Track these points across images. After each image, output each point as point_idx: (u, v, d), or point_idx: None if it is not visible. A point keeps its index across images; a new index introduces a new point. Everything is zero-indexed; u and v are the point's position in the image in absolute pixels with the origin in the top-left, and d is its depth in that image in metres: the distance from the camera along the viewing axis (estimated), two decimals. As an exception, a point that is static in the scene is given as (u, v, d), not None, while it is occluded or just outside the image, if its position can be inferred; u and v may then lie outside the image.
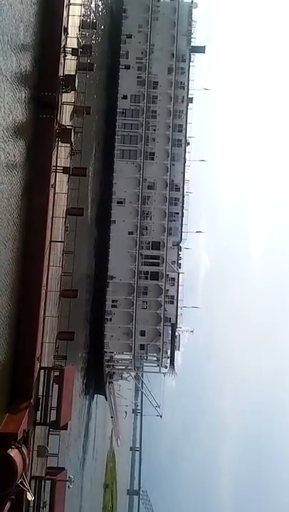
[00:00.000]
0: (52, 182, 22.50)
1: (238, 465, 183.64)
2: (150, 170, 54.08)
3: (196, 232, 62.87)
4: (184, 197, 55.25)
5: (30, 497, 16.68)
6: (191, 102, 55.12)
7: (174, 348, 52.65)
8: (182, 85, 54.78)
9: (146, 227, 54.14)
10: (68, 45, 25.81)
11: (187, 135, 55.01)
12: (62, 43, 25.12)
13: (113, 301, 52.19)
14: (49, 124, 22.77)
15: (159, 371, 54.39)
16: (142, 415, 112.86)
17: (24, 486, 16.18)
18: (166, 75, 54.81)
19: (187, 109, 54.90)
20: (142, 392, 62.76)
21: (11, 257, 18.88)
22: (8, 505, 15.77)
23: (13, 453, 15.83)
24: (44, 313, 19.94)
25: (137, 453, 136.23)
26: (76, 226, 26.47)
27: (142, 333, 52.45)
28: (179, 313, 53.83)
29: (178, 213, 55.05)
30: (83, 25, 28.25)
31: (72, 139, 24.46)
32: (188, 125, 54.82)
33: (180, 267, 56.25)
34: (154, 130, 54.39)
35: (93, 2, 38.34)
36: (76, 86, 24.90)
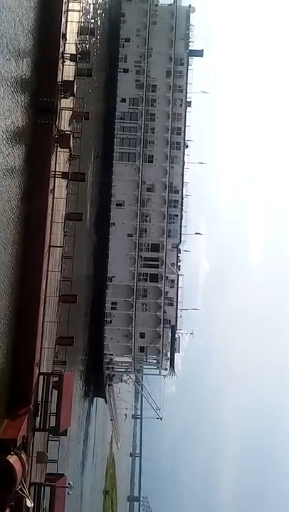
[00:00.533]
0: (51, 187, 22.61)
1: (239, 467, 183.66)
2: (149, 172, 54.22)
3: (196, 233, 62.88)
4: (183, 199, 55.40)
5: (29, 504, 16.71)
6: (190, 106, 55.34)
7: (173, 350, 52.71)
8: (180, 88, 54.96)
9: (146, 229, 54.24)
10: (67, 51, 25.96)
11: (186, 138, 55.20)
12: (61, 49, 25.24)
13: (113, 303, 52.26)
14: (48, 130, 22.90)
15: (159, 373, 54.46)
16: (141, 420, 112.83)
17: (23, 493, 16.22)
18: (165, 79, 54.97)
19: (186, 112, 55.10)
20: (142, 395, 62.79)
21: (10, 263, 18.94)
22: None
23: (13, 459, 15.86)
24: (43, 319, 20.02)
25: (137, 459, 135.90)
26: (75, 231, 26.53)
27: (142, 336, 52.51)
28: (178, 316, 53.89)
29: (177, 215, 55.18)
30: (82, 31, 28.38)
31: (71, 144, 24.57)
32: (186, 128, 55.07)
33: (179, 269, 56.39)
34: (153, 133, 54.56)
35: (91, 8, 38.47)
36: (75, 92, 25.04)
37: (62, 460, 28.27)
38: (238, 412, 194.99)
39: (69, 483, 21.67)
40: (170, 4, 57.45)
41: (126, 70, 54.76)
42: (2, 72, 18.50)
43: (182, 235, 55.04)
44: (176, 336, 52.90)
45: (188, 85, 55.43)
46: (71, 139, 24.27)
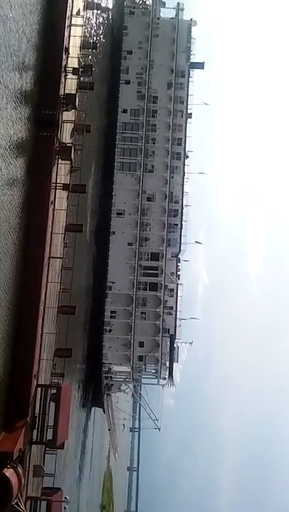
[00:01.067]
0: (52, 199, 22.84)
1: (239, 478, 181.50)
2: (150, 182, 54.57)
3: (195, 242, 62.96)
4: (182, 209, 55.69)
5: (25, 518, 16.60)
6: (190, 117, 55.88)
7: (172, 359, 52.58)
8: (181, 100, 55.57)
9: (146, 238, 54.42)
10: (69, 64, 26.37)
11: (186, 148, 55.66)
12: (64, 63, 25.67)
13: (112, 311, 52.25)
14: (49, 142, 23.21)
15: (157, 383, 54.24)
16: (139, 432, 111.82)
17: (19, 507, 16.14)
18: (166, 90, 55.58)
19: (186, 123, 55.64)
20: (140, 405, 62.45)
21: (10, 274, 19.05)
22: (3, 526, 15.73)
23: (9, 473, 15.83)
24: (42, 330, 20.06)
25: (134, 473, 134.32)
26: (75, 242, 26.67)
27: (141, 344, 52.40)
28: (177, 325, 53.84)
29: (177, 225, 55.42)
30: (84, 46, 28.86)
31: (72, 156, 24.85)
32: (187, 139, 55.54)
33: (179, 278, 56.44)
34: (154, 143, 55.02)
35: (94, 22, 39.08)
36: (77, 105, 25.40)
37: (59, 474, 28.07)
38: (237, 423, 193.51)
39: (65, 498, 21.54)
40: (172, 18, 58.35)
41: (128, 82, 55.40)
42: (6, 84, 18.79)
43: (182, 245, 55.23)
44: (175, 345, 52.80)
45: (189, 97, 56.06)
46: (72, 151, 24.56)
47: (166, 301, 53.47)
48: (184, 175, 55.55)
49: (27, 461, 18.18)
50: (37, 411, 18.96)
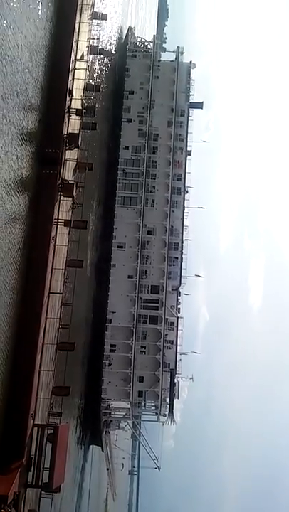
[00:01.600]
0: (53, 234, 23.21)
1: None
2: (150, 216, 55.46)
3: (195, 275, 63.02)
4: (183, 242, 56.25)
5: None
6: (190, 155, 57.64)
7: (173, 395, 51.35)
8: (181, 137, 57.52)
9: (146, 271, 54.62)
10: (73, 106, 27.57)
11: (186, 184, 57.02)
12: (67, 104, 26.84)
13: (112, 345, 51.63)
14: (52, 179, 23.90)
15: (157, 420, 52.72)
16: (139, 472, 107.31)
17: None
18: (166, 128, 57.66)
19: (186, 159, 57.30)
20: (140, 443, 60.39)
21: (9, 309, 19.02)
22: None
23: (2, 518, 15.23)
24: (40, 367, 19.79)
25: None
26: (75, 277, 26.81)
27: (140, 379, 51.40)
28: (178, 359, 52.99)
29: (177, 258, 55.78)
30: (87, 88, 30.27)
31: (75, 193, 25.50)
32: (187, 175, 57.03)
33: (179, 312, 56.11)
34: (154, 179, 56.42)
35: (97, 65, 41.15)
36: (79, 144, 26.36)
37: (55, 519, 26.76)
38: (238, 470, 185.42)
39: None
40: (172, 60, 61.45)
41: (129, 120, 57.54)
42: (12, 121, 19.55)
43: (182, 278, 55.33)
44: (176, 380, 51.73)
45: (188, 135, 58.02)
46: (74, 188, 25.22)
47: (167, 334, 52.95)
48: (183, 209, 56.55)
49: (22, 505, 17.48)
50: (33, 452, 18.36)
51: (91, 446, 56.57)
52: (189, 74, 59.65)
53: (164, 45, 63.16)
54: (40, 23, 22.70)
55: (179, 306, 55.97)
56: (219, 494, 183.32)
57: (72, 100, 27.87)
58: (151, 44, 62.14)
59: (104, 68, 47.66)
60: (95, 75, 38.80)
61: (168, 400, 51.27)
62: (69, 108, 27.04)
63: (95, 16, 32.61)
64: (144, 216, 55.14)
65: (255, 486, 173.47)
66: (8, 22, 18.13)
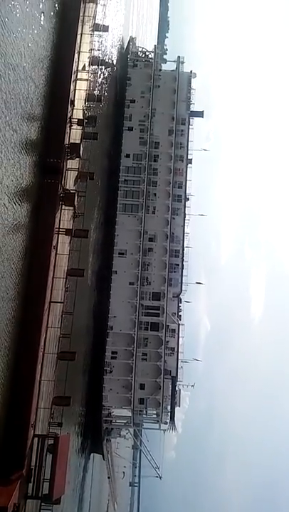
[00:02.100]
0: (54, 243, 23.31)
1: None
2: (151, 223, 55.71)
3: (196, 283, 63.01)
4: (184, 249, 56.42)
5: None
6: (191, 163, 58.07)
7: (174, 403, 51.10)
8: (182, 146, 58.00)
9: (147, 277, 54.72)
10: (74, 116, 27.90)
11: (187, 191, 57.35)
12: (69, 114, 27.17)
13: (113, 352, 51.55)
14: (54, 189, 24.07)
15: (158, 427, 52.39)
16: (140, 481, 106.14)
17: None
18: (167, 136, 58.14)
19: (187, 167, 57.73)
20: (141, 451, 59.92)
21: (9, 318, 19.00)
22: None
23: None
24: (40, 377, 19.65)
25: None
26: (76, 286, 26.77)
27: (142, 387, 51.21)
28: (179, 366, 52.82)
29: (178, 265, 55.90)
30: (89, 98, 30.64)
31: (76, 203, 25.67)
32: (188, 182, 57.39)
33: (180, 319, 56.07)
34: (155, 186, 56.79)
35: (99, 76, 41.65)
36: (81, 153, 26.62)
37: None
38: (240, 477, 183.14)
39: None
40: (173, 70, 62.18)
41: (130, 128, 58.07)
42: (14, 128, 19.74)
43: (183, 285, 55.39)
44: (177, 388, 51.52)
45: (189, 143, 58.50)
46: (76, 197, 25.38)
47: (168, 341, 52.84)
48: (184, 216, 56.80)
49: (21, 515, 17.34)
50: (33, 463, 18.13)
51: (92, 455, 56.15)
52: (190, 83, 60.29)
53: (164, 56, 63.84)
54: (43, 34, 23.07)
55: (180, 313, 55.96)
56: (221, 503, 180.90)
57: (74, 110, 28.17)
58: (152, 54, 62.94)
59: (105, 78, 48.21)
60: (96, 85, 39.25)
61: (169, 407, 51.00)
62: (70, 118, 27.36)
63: (97, 27, 33.12)
64: (146, 223, 55.39)
65: (256, 493, 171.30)
66: (12, 30, 18.45)
